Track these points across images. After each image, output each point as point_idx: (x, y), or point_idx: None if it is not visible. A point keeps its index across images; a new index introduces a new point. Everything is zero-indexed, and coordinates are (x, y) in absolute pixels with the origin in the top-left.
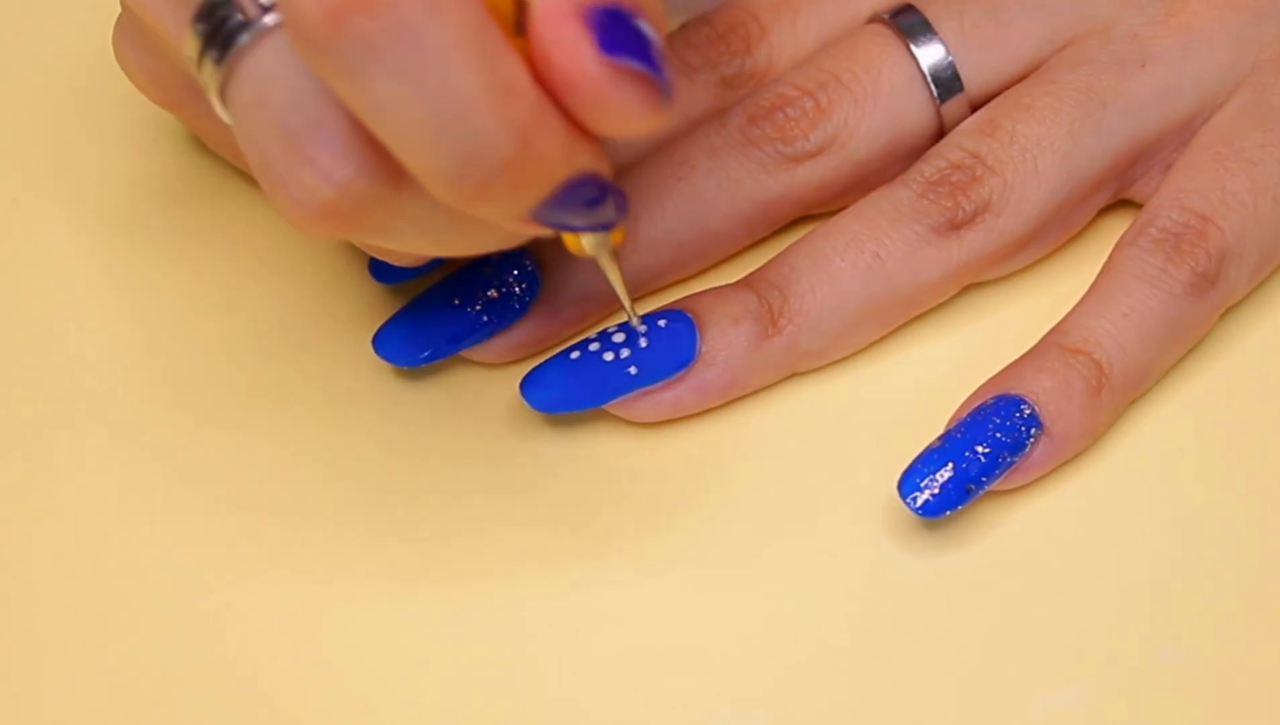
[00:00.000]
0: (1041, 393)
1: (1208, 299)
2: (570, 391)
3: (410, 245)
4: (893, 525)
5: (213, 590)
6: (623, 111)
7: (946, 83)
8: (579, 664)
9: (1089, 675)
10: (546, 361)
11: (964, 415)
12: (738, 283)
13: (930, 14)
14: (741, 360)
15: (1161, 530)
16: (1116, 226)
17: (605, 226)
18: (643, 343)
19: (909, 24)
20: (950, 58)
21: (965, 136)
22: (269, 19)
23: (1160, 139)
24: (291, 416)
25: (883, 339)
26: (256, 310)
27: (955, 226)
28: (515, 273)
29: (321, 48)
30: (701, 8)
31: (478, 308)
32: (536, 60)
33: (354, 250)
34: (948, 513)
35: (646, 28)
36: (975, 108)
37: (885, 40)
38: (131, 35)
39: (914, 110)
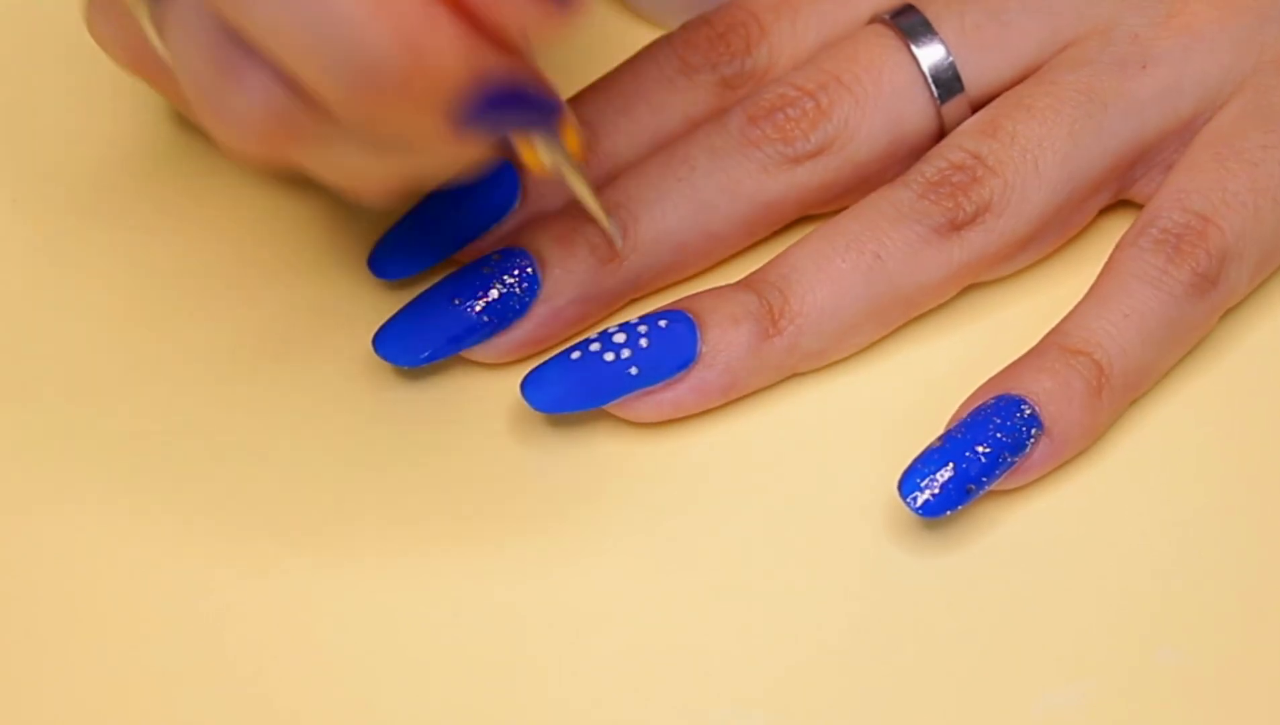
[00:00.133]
0: (1042, 393)
1: (1208, 300)
2: (570, 391)
3: (357, 170)
4: (893, 525)
5: (213, 590)
6: None
7: (947, 83)
8: (579, 664)
9: (1089, 675)
10: (547, 361)
11: (964, 415)
12: (738, 283)
13: (931, 14)
14: (742, 361)
15: (1161, 530)
16: (1117, 227)
17: (538, 125)
18: (643, 343)
19: (910, 24)
20: (951, 58)
21: (966, 137)
22: None
23: (1161, 140)
24: (291, 416)
25: (883, 339)
26: (257, 310)
27: (956, 227)
28: (515, 273)
29: None
30: (701, 8)
31: (478, 308)
32: None
33: (353, 250)
34: (948, 513)
35: None
36: (976, 108)
37: (886, 41)
38: (100, 7)
39: (914, 111)
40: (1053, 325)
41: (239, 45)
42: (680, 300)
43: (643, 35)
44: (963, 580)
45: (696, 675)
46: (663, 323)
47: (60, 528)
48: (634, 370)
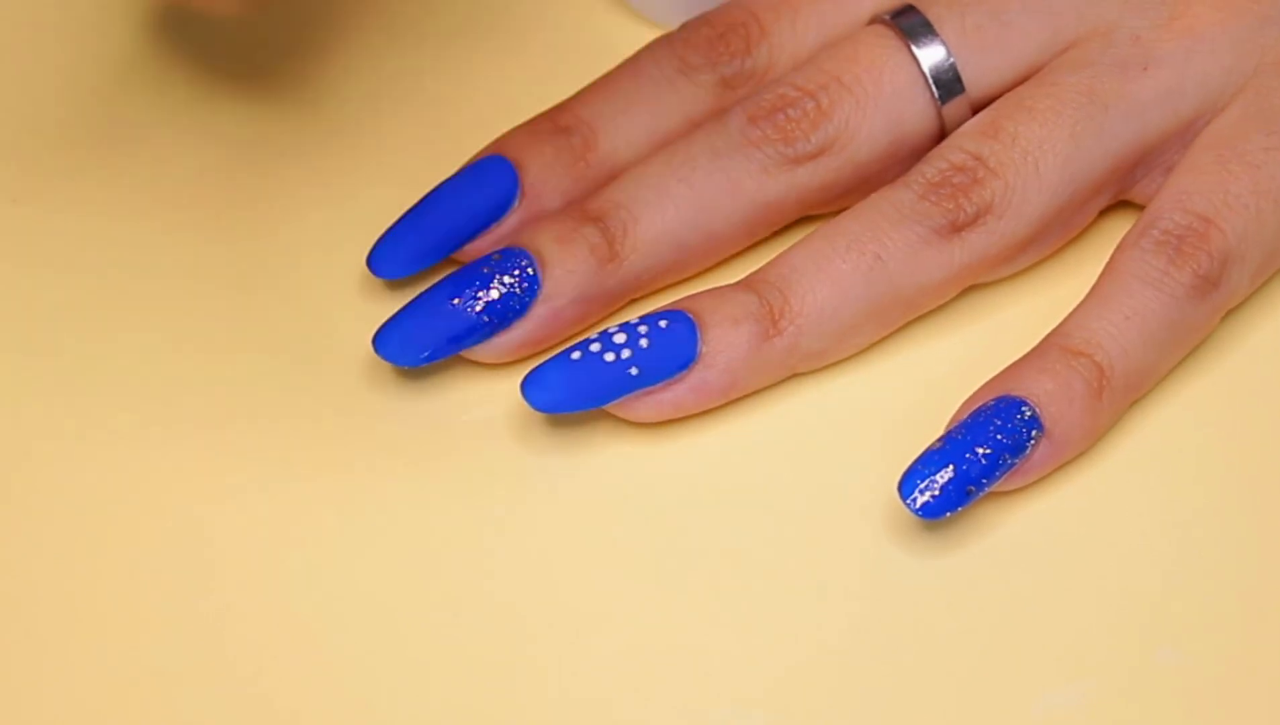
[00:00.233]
0: (1042, 394)
1: (1209, 301)
2: (571, 391)
3: None
4: (893, 525)
5: (213, 590)
6: None
7: (948, 84)
8: (579, 664)
9: (1089, 675)
10: (547, 361)
11: (964, 416)
12: (738, 283)
13: (932, 15)
14: (742, 361)
15: (1161, 531)
16: (1117, 228)
17: None
18: (643, 343)
19: (910, 25)
20: (952, 59)
21: (967, 138)
22: None
23: (1162, 141)
24: (291, 416)
25: (883, 340)
26: (257, 310)
27: (957, 228)
28: (515, 273)
29: None
30: (701, 8)
31: (478, 308)
32: None
33: (353, 250)
34: (948, 514)
35: None
36: (976, 109)
37: (886, 41)
38: None
39: (915, 112)
40: (1053, 326)
41: None
42: (680, 300)
43: (643, 35)
44: (963, 581)
45: (696, 675)
46: (663, 323)
47: (60, 527)
48: (634, 370)
